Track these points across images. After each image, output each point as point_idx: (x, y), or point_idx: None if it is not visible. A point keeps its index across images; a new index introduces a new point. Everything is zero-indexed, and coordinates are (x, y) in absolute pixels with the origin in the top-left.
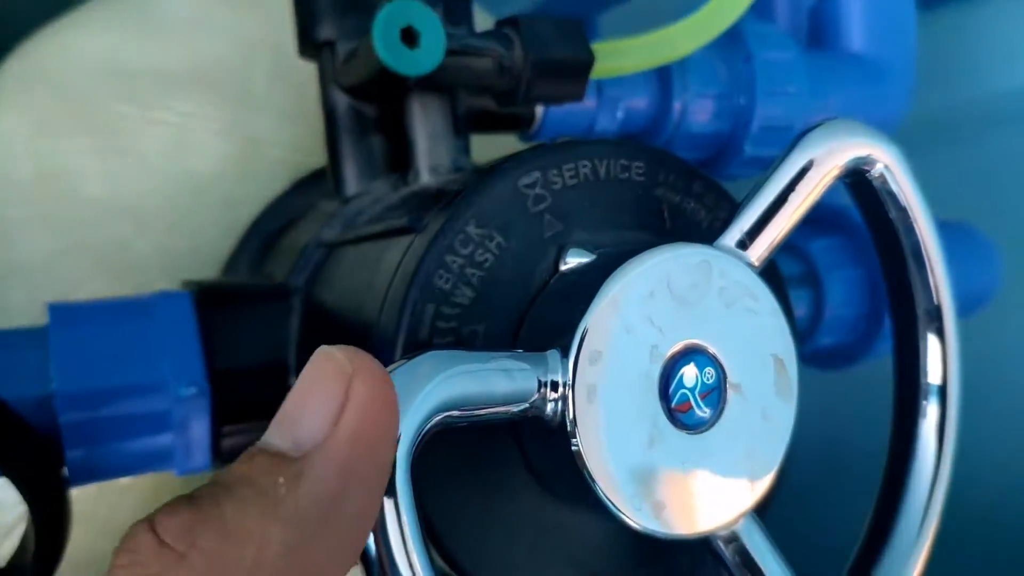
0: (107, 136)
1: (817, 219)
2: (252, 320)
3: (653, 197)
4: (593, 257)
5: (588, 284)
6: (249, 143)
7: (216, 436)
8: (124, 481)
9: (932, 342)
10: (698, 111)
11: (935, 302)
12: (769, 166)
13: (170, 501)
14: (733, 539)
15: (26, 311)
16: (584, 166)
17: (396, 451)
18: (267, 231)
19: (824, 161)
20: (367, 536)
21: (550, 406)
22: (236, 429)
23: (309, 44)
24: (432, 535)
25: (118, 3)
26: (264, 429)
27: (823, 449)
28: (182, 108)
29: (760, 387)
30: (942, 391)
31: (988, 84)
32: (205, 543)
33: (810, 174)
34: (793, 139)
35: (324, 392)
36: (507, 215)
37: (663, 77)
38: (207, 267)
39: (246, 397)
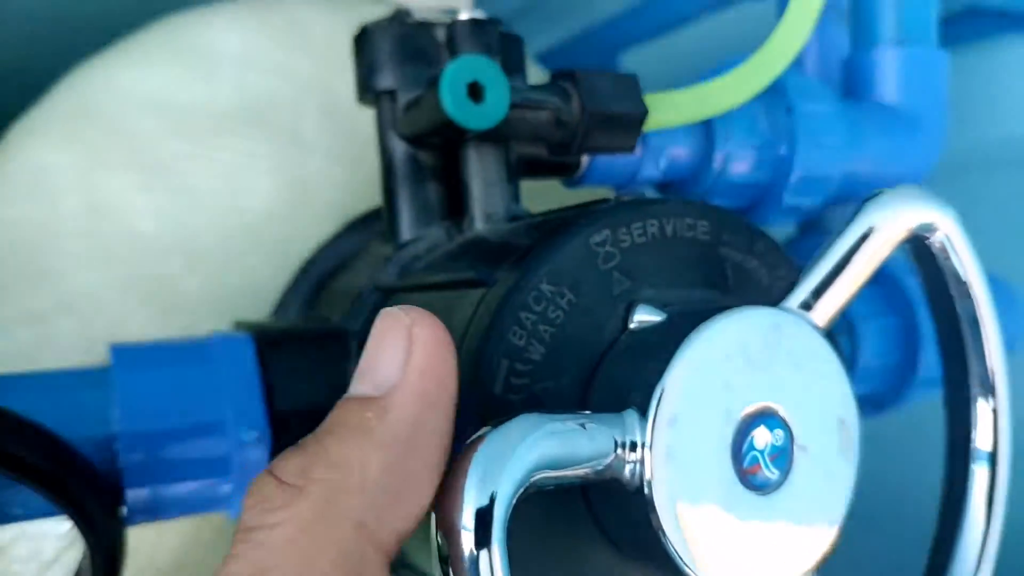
0: (157, 172)
1: None
2: (311, 363)
3: (717, 256)
4: (662, 315)
5: (659, 343)
6: (299, 183)
7: None
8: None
9: (983, 408)
10: (739, 161)
11: (988, 369)
12: (806, 216)
13: (281, 453)
14: None
15: (75, 343)
16: (652, 224)
17: (455, 379)
18: (319, 273)
19: (887, 227)
20: (447, 450)
21: (628, 467)
22: None
23: (369, 92)
24: None
25: (165, 37)
26: None
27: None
28: (233, 146)
29: (825, 448)
30: (992, 457)
31: (1003, 126)
32: (317, 475)
33: (872, 239)
34: (858, 205)
35: (392, 342)
36: (578, 272)
37: (707, 128)
38: (256, 306)
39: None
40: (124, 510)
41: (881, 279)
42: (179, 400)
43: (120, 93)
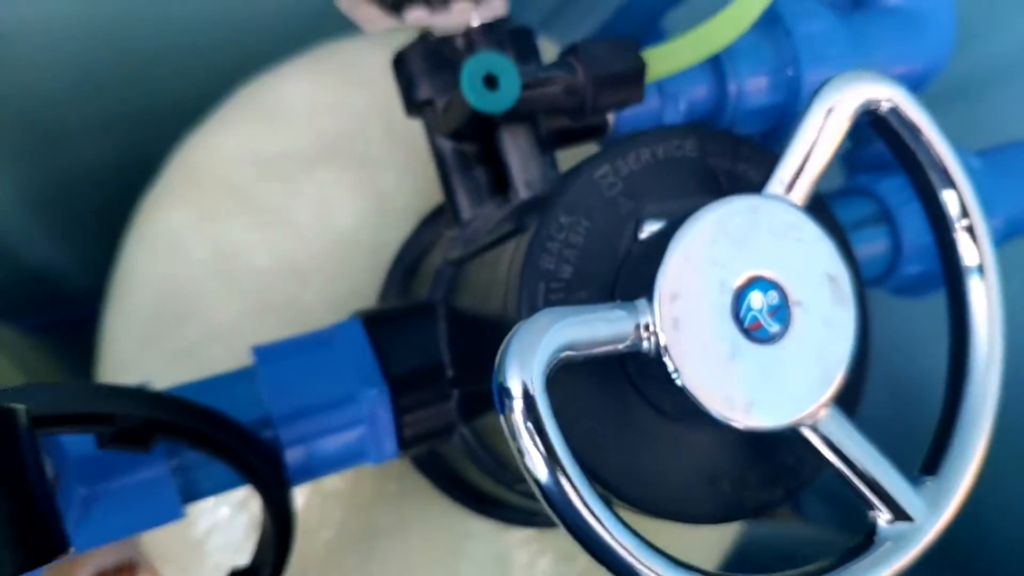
0: (263, 213)
1: (881, 164)
2: (408, 331)
3: (707, 167)
4: (664, 223)
5: (658, 243)
6: (379, 196)
7: (399, 426)
8: (325, 490)
9: (963, 236)
10: (752, 90)
11: (961, 203)
12: None
13: None
14: (819, 429)
15: (225, 367)
16: (644, 152)
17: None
18: (407, 264)
19: (839, 108)
20: None
21: (645, 342)
22: (413, 419)
23: (413, 105)
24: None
25: (248, 100)
26: (432, 417)
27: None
28: (319, 178)
29: (819, 301)
30: (981, 268)
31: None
32: None
33: (829, 119)
34: (811, 95)
35: None
36: (588, 202)
37: (715, 66)
38: (364, 303)
39: (415, 392)
40: (287, 474)
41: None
42: (312, 377)
43: (221, 153)
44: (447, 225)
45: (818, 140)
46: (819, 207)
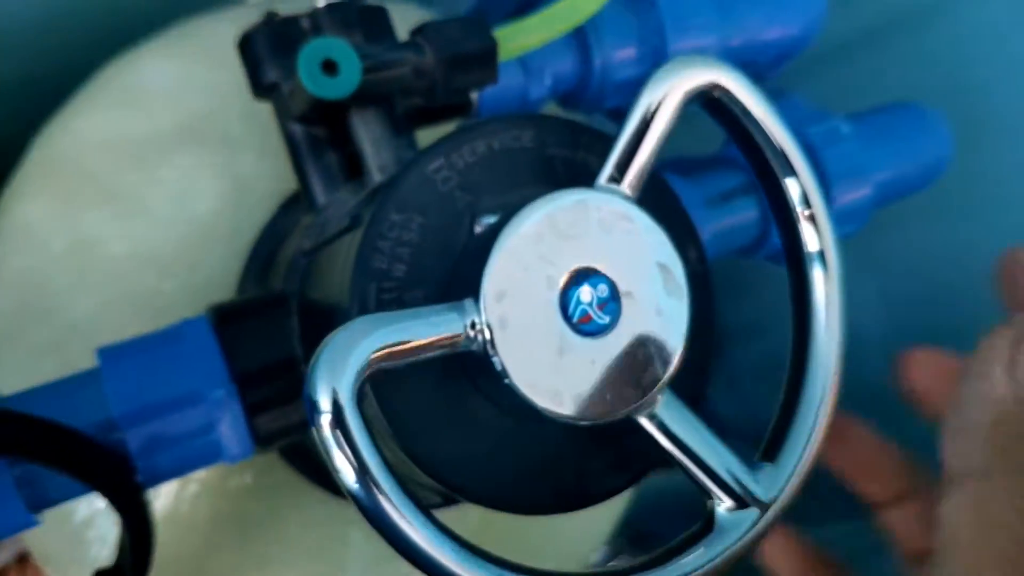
0: (121, 201)
1: None
2: (260, 326)
3: (545, 156)
4: (498, 215)
5: (488, 237)
6: (238, 180)
7: (252, 425)
8: (194, 483)
9: (805, 223)
10: (619, 62)
11: (801, 188)
12: None
13: None
14: (655, 418)
15: (87, 361)
16: (480, 144)
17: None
18: (265, 252)
19: (669, 96)
20: None
21: (475, 343)
22: (266, 416)
23: (260, 88)
24: (413, 456)
25: (108, 83)
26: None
27: None
28: (178, 162)
29: (650, 291)
30: (822, 255)
31: None
32: None
33: (660, 110)
34: (643, 80)
35: None
36: (421, 198)
37: (579, 39)
38: (224, 294)
39: (267, 388)
40: (138, 477)
41: None
42: (158, 377)
43: (80, 140)
44: (304, 211)
45: (648, 130)
46: (660, 192)
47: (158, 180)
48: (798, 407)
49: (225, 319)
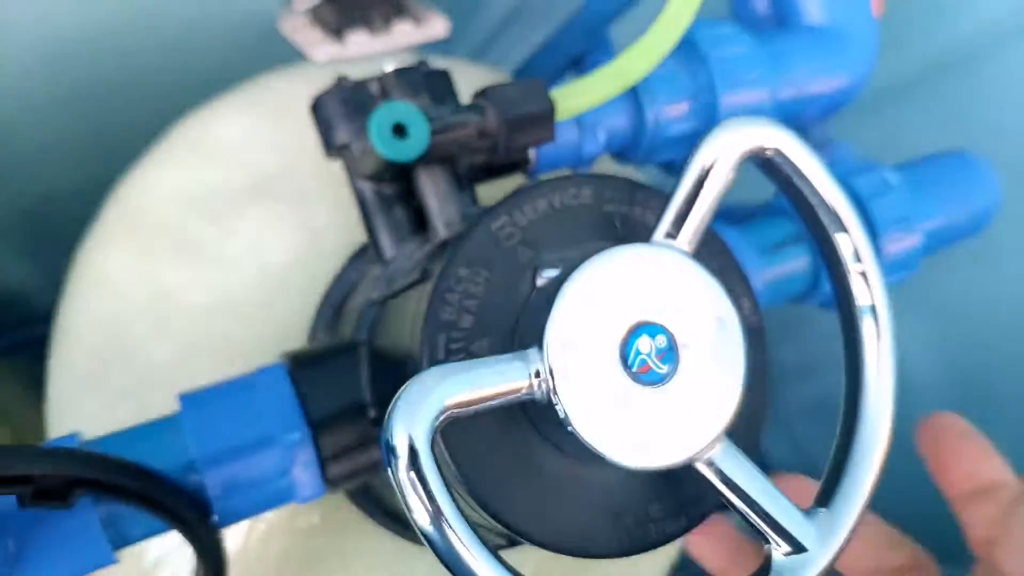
0: (198, 252)
1: None
2: (331, 373)
3: (604, 212)
4: (560, 269)
5: (552, 291)
6: (311, 232)
7: (323, 467)
8: (263, 522)
9: (857, 278)
10: (671, 117)
11: (853, 245)
12: None
13: None
14: (713, 465)
15: (165, 407)
16: (541, 202)
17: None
18: (335, 301)
19: (723, 156)
20: None
21: (539, 391)
22: (337, 459)
23: (332, 148)
24: (480, 500)
25: (181, 138)
26: (355, 457)
27: None
28: (252, 215)
29: (707, 342)
30: (873, 309)
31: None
32: None
33: (714, 168)
34: (696, 143)
35: None
36: (487, 253)
37: (632, 96)
38: (297, 341)
39: (339, 433)
40: (215, 517)
41: None
42: (236, 422)
43: (155, 193)
44: (372, 263)
45: (703, 188)
46: (712, 243)
47: (233, 232)
48: (850, 455)
49: (300, 365)
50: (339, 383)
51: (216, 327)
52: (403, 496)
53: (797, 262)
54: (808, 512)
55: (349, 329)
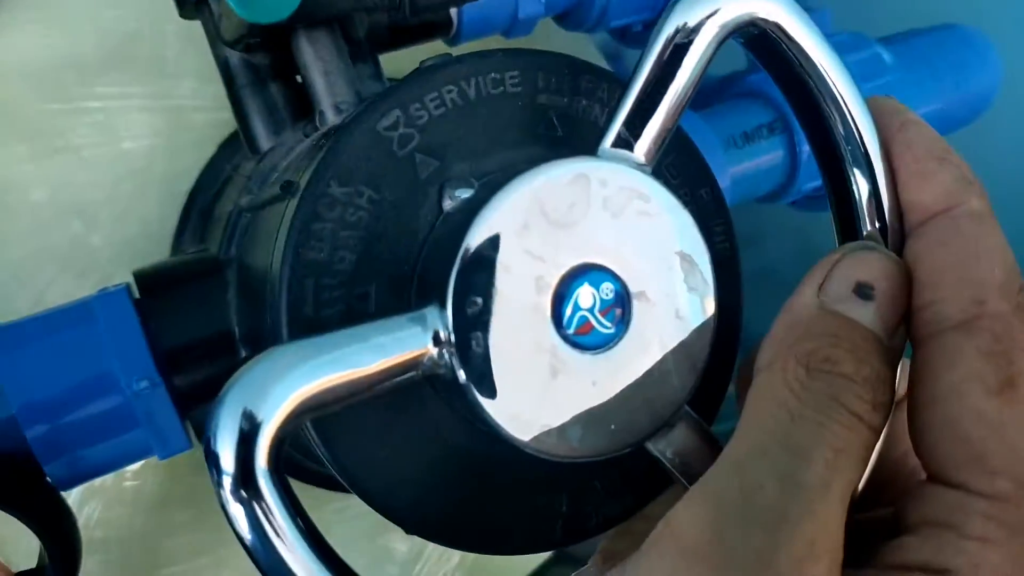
0: (39, 139)
1: None
2: (191, 300)
3: (537, 106)
4: (475, 189)
5: (461, 223)
6: (174, 112)
7: (184, 417)
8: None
9: (862, 181)
10: None
11: (859, 140)
12: None
13: None
14: (671, 443)
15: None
16: (449, 91)
17: None
18: (203, 202)
19: (704, 30)
20: None
21: (440, 363)
22: (202, 406)
23: (185, 4)
24: (378, 508)
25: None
26: None
27: None
28: (104, 92)
29: (668, 288)
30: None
31: None
32: None
33: (691, 48)
34: (665, 8)
35: None
36: (371, 166)
37: None
38: (160, 248)
39: (200, 374)
40: (48, 479)
41: None
42: (66, 366)
43: None
44: (246, 155)
45: (673, 76)
46: (680, 149)
47: (81, 112)
48: None
49: (149, 291)
50: (199, 312)
51: (64, 229)
52: (232, 525)
53: (771, 156)
54: None
55: (216, 242)
